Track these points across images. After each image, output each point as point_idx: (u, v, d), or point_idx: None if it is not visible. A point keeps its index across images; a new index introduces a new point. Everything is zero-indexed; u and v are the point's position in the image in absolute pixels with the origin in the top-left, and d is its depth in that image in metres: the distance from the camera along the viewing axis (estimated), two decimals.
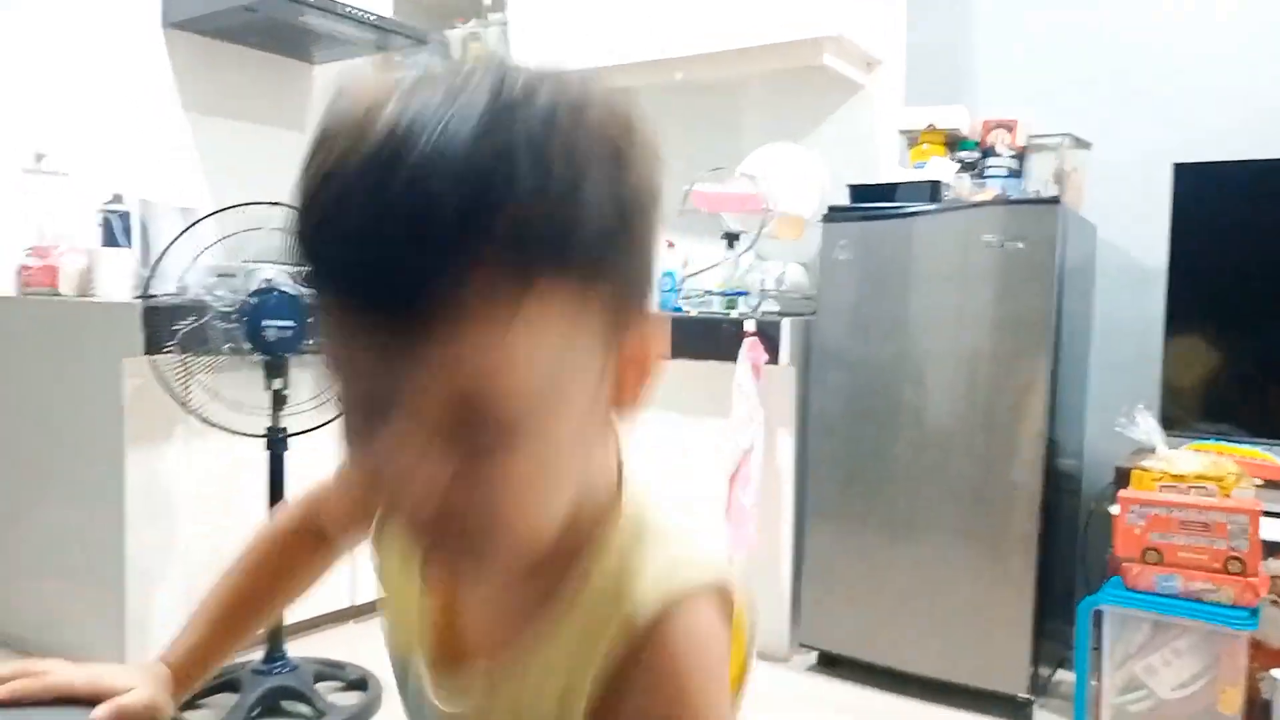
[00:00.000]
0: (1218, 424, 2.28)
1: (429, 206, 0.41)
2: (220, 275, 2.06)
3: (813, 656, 2.51)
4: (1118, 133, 2.61)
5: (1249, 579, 1.82)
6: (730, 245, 2.83)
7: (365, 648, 2.46)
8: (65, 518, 2.27)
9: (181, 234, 2.02)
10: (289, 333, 2.05)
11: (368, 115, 0.43)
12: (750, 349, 2.45)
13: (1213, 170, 2.36)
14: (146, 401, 2.11)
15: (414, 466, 0.45)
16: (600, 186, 0.46)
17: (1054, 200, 2.20)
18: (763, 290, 2.70)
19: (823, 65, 2.67)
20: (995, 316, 2.22)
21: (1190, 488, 1.94)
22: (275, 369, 2.07)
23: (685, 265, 2.92)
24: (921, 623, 2.28)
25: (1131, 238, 2.61)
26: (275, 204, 2.05)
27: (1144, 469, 1.99)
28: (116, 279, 2.30)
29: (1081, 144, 2.48)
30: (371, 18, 2.79)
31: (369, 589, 2.67)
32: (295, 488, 2.17)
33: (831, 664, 2.45)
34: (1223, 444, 2.17)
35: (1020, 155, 2.45)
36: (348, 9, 2.69)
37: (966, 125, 2.54)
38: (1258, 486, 1.96)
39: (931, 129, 2.54)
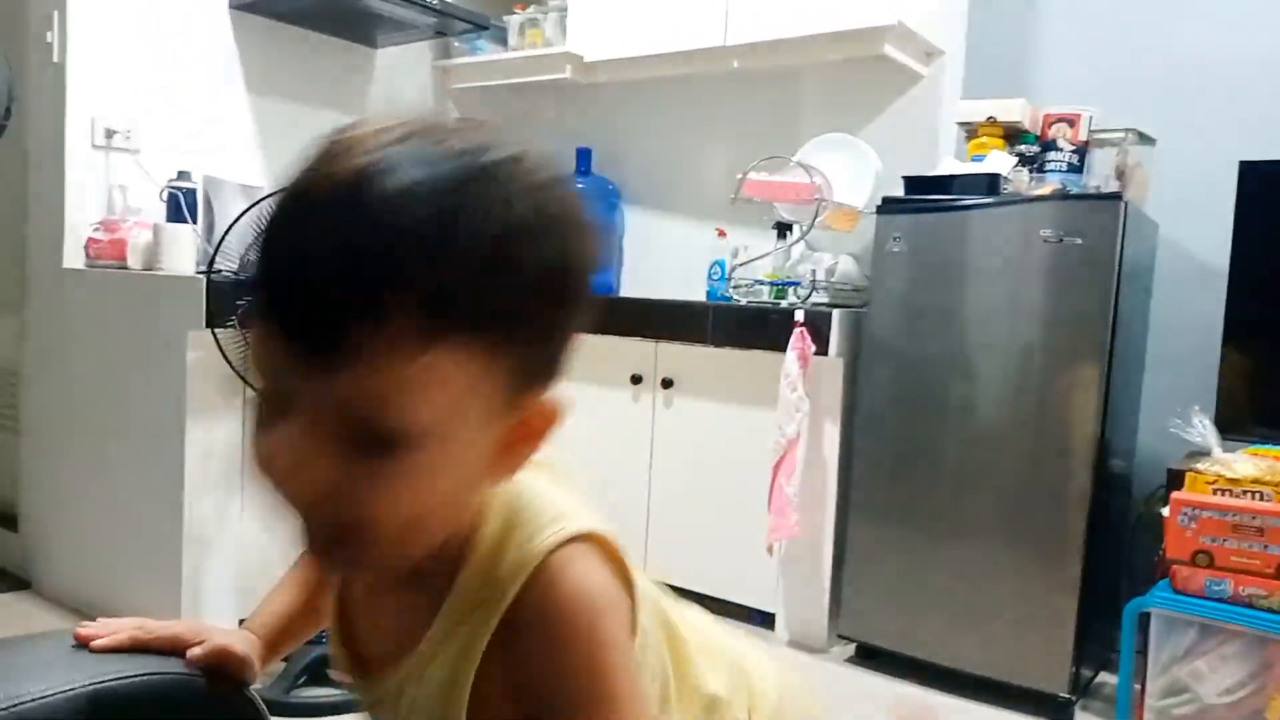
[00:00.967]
0: (1275, 429, 2.23)
1: (362, 255, 0.45)
2: None
3: (851, 648, 2.51)
4: (1183, 129, 2.55)
5: None
6: (782, 235, 2.82)
7: None
8: (127, 482, 2.35)
9: (245, 212, 2.07)
10: None
11: (338, 160, 0.48)
12: (798, 339, 2.45)
13: (1279, 169, 2.30)
14: (208, 374, 2.18)
15: (303, 459, 0.50)
16: (529, 268, 0.49)
17: (1116, 196, 2.17)
18: (813, 281, 2.69)
19: (882, 55, 2.64)
20: (1050, 313, 2.19)
21: (1245, 491, 1.90)
22: None
23: (736, 254, 2.92)
24: (962, 619, 2.27)
25: (1194, 236, 2.55)
26: None
27: (1198, 471, 1.96)
28: (181, 254, 2.37)
29: (1146, 140, 2.43)
30: (434, 2, 2.82)
31: None
32: None
33: (870, 656, 2.45)
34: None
35: (1081, 150, 2.40)
36: None
37: (1027, 118, 2.50)
38: None
39: (991, 121, 2.51)
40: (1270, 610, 1.80)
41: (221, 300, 2.05)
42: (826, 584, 2.53)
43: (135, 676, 0.71)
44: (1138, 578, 2.23)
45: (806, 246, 2.85)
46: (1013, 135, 2.49)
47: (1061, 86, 2.74)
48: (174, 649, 0.71)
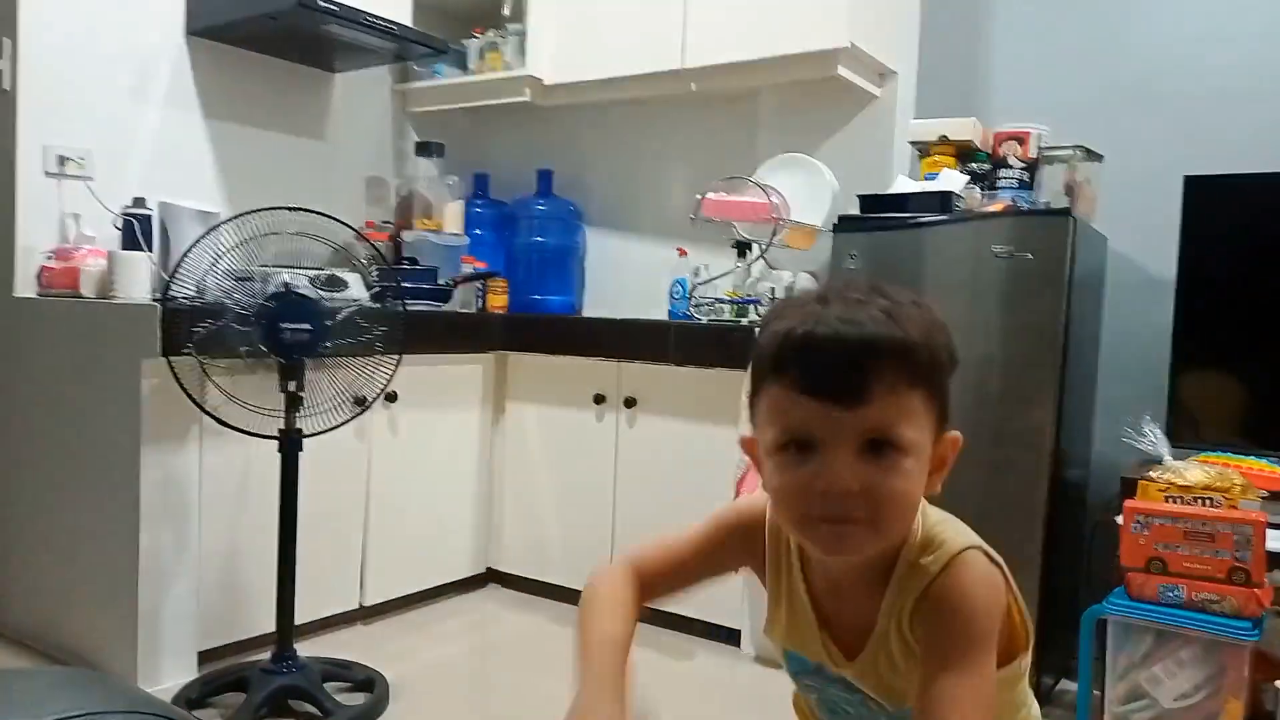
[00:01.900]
0: (1225, 436, 2.28)
1: (868, 348, 0.77)
2: (238, 279, 2.10)
3: None
4: (1129, 145, 2.62)
5: (1253, 590, 1.82)
6: (741, 254, 2.85)
7: (373, 649, 2.49)
8: (81, 514, 2.31)
9: (201, 238, 2.06)
10: (305, 336, 2.08)
11: (817, 305, 0.81)
12: None
13: (1223, 183, 2.36)
14: (164, 402, 2.15)
15: (844, 475, 0.77)
16: (940, 353, 0.82)
17: (1065, 212, 2.22)
18: (773, 298, 2.71)
19: (836, 76, 2.69)
20: (1005, 326, 2.23)
21: (1196, 498, 1.94)
22: (291, 372, 2.10)
23: (697, 274, 2.95)
24: None
25: (1142, 250, 2.61)
26: (294, 209, 2.10)
27: (1150, 479, 1.99)
28: (136, 281, 2.34)
29: (1093, 156, 2.49)
30: (393, 27, 2.82)
31: (377, 592, 2.71)
32: (307, 489, 2.20)
33: None
34: (1230, 456, 2.17)
35: (1031, 167, 2.46)
36: (369, 18, 2.73)
37: (978, 137, 2.55)
38: (1264, 498, 1.96)
39: (943, 140, 2.56)
40: (1223, 615, 1.84)
41: (177, 328, 2.03)
42: None
43: (93, 714, 0.69)
44: (1096, 586, 2.26)
45: (766, 265, 2.88)
46: (965, 154, 2.54)
47: (1011, 105, 2.81)
48: None
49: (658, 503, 2.76)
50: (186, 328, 2.01)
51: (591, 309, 3.48)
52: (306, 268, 2.22)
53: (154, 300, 2.20)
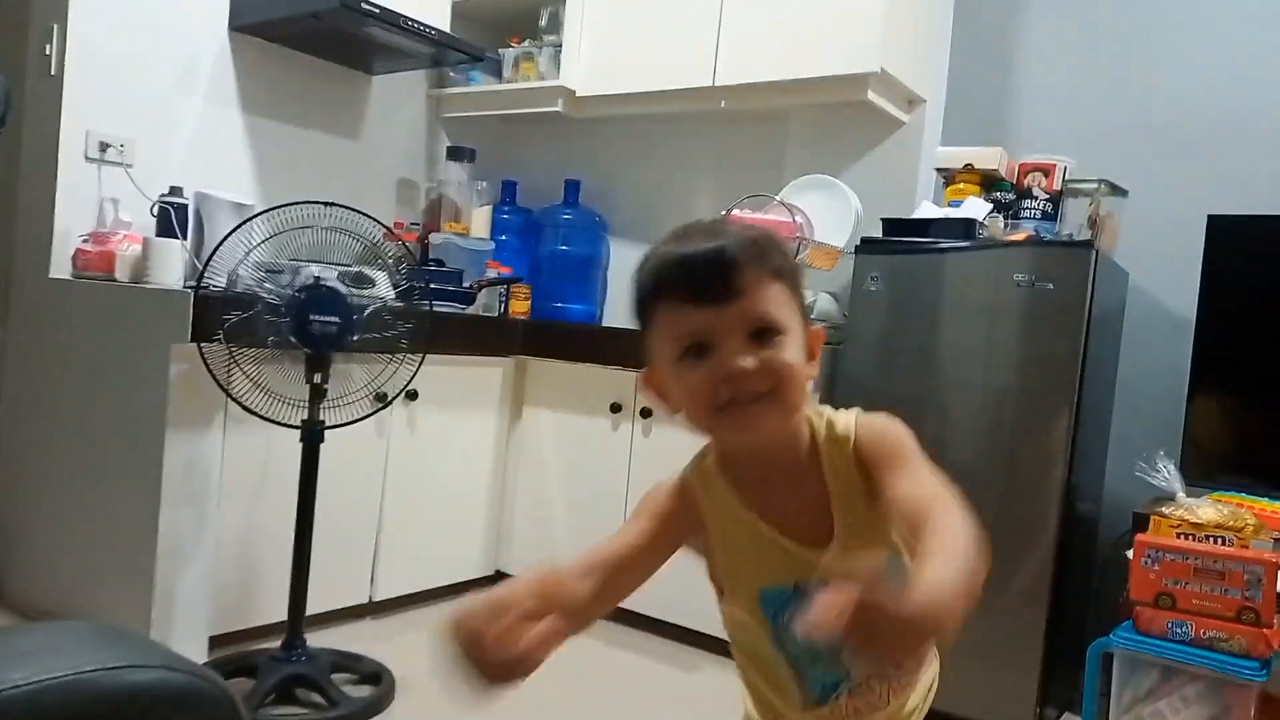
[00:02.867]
0: (1239, 476, 2.28)
1: (732, 255, 0.87)
2: (269, 270, 2.14)
3: None
4: (1154, 181, 2.63)
5: (1262, 629, 1.82)
6: None
7: (382, 643, 2.51)
8: (103, 494, 2.35)
9: (236, 229, 2.10)
10: (333, 329, 2.12)
11: (676, 241, 0.92)
12: None
13: (1247, 223, 2.38)
14: (190, 387, 2.19)
15: (739, 358, 0.86)
16: (786, 254, 0.94)
17: (1087, 244, 2.23)
18: None
19: (865, 101, 2.72)
20: (1022, 355, 2.24)
21: (1207, 536, 1.94)
22: (317, 364, 2.14)
23: None
24: None
25: (1163, 286, 2.63)
26: (328, 204, 2.14)
27: (1162, 515, 2.00)
28: (170, 268, 2.39)
29: (1118, 191, 2.51)
30: (432, 33, 2.88)
31: (388, 587, 2.73)
32: (325, 481, 2.23)
33: None
34: (1243, 496, 2.17)
35: (1055, 199, 2.48)
36: (410, 23, 2.79)
37: (1003, 167, 2.57)
38: (1276, 539, 1.96)
39: (968, 169, 2.58)
40: (1230, 653, 1.84)
41: (208, 315, 2.07)
42: None
43: (119, 668, 0.72)
44: (1103, 619, 2.27)
45: None
46: (989, 183, 2.57)
47: (1037, 137, 2.83)
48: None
49: None
50: (217, 315, 2.05)
51: (612, 319, 3.51)
52: (336, 263, 2.26)
53: (186, 287, 2.25)
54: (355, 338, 2.16)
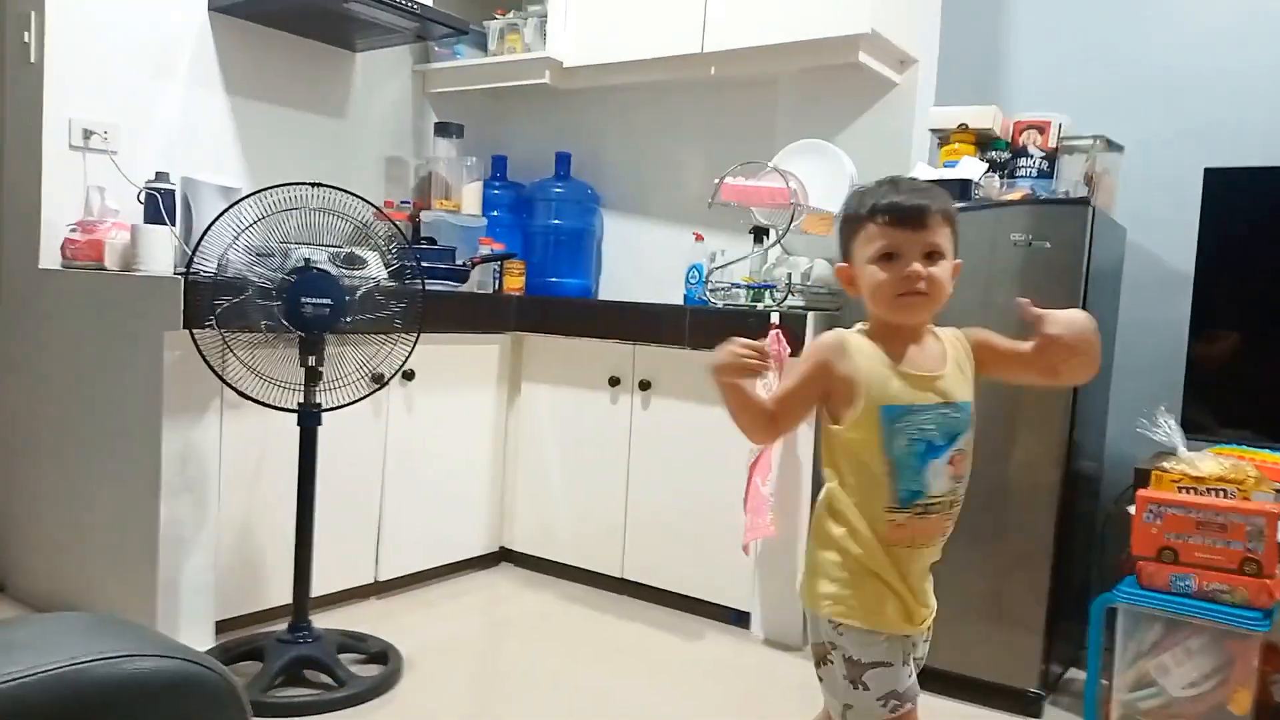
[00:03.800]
0: (1239, 429, 2.28)
1: (925, 202, 1.29)
2: (259, 254, 2.12)
3: None
4: (1150, 137, 2.61)
5: (1265, 581, 1.83)
6: (758, 240, 2.86)
7: (387, 623, 2.52)
8: (102, 484, 2.35)
9: (223, 213, 2.07)
10: (325, 310, 2.10)
11: (890, 186, 1.33)
12: (774, 341, 2.48)
13: (1243, 176, 2.36)
14: (185, 374, 2.18)
15: (919, 267, 1.28)
16: (952, 208, 1.32)
17: (1084, 201, 2.21)
18: (789, 284, 2.72)
19: (857, 63, 2.68)
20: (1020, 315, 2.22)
21: (1209, 489, 1.94)
22: (311, 346, 2.13)
23: (713, 258, 2.95)
24: (935, 615, 2.29)
25: (1160, 241, 2.61)
26: (315, 185, 2.12)
27: (1163, 470, 2.00)
28: (159, 255, 2.36)
29: (1114, 147, 2.48)
30: (414, 7, 2.83)
31: (391, 567, 2.74)
32: (325, 464, 2.23)
33: None
34: (1244, 449, 2.17)
35: (1051, 157, 2.45)
36: None
37: (998, 125, 2.54)
38: (1277, 491, 1.96)
39: (963, 128, 2.55)
40: (1233, 605, 1.85)
41: (199, 301, 2.06)
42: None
43: (116, 657, 0.71)
44: (1107, 576, 2.27)
45: (782, 250, 2.88)
46: (984, 142, 2.54)
47: (1032, 95, 2.80)
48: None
49: (670, 485, 2.78)
50: (209, 301, 2.03)
51: (607, 292, 3.50)
52: (326, 244, 2.24)
53: (177, 274, 2.23)
54: (348, 319, 2.15)
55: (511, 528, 3.11)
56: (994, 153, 2.51)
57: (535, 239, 3.40)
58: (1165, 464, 2.03)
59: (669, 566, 2.79)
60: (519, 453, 3.09)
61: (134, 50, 2.65)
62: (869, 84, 2.87)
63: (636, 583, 2.85)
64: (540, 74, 3.20)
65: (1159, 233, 2.61)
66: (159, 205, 2.44)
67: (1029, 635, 2.18)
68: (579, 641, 2.56)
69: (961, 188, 2.36)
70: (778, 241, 2.78)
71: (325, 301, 2.10)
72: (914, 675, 1.39)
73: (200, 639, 2.27)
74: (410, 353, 2.26)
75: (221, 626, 2.33)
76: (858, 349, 1.33)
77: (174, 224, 2.46)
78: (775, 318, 2.50)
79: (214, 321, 2.03)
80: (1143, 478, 2.04)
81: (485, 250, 3.18)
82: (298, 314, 2.07)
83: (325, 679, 2.12)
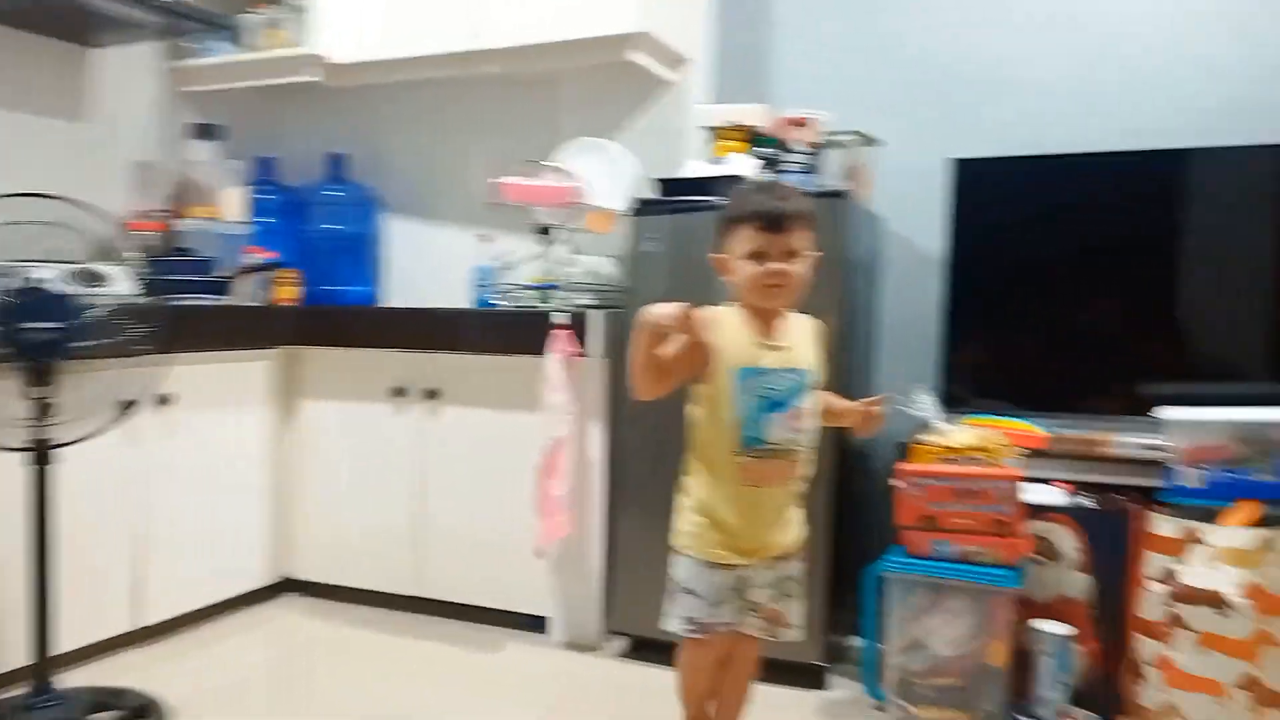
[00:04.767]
0: (991, 400, 2.46)
1: (787, 209, 1.61)
2: None
3: (624, 643, 2.55)
4: (904, 130, 2.77)
5: (1013, 540, 1.97)
6: (544, 239, 2.83)
7: (154, 672, 2.31)
8: None
9: None
10: (53, 335, 1.89)
11: (762, 192, 1.68)
12: (561, 341, 2.45)
13: (986, 165, 2.54)
14: None
15: (782, 264, 1.60)
16: (810, 211, 1.64)
17: (841, 194, 2.32)
18: (576, 283, 2.71)
19: (631, 62, 2.70)
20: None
21: (964, 459, 2.08)
22: (38, 376, 1.91)
23: (500, 260, 2.90)
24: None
25: (916, 229, 2.78)
26: (45, 197, 1.90)
27: (923, 443, 2.12)
28: None
29: (870, 141, 2.62)
30: (158, 0, 2.61)
31: (158, 609, 2.51)
32: (70, 504, 2.01)
33: (643, 648, 2.49)
34: (995, 419, 2.34)
35: (815, 152, 2.56)
36: None
37: (767, 122, 2.63)
38: (1022, 455, 2.12)
39: (733, 126, 2.62)
40: (987, 565, 1.98)
41: None
42: (598, 582, 2.55)
43: None
44: (885, 547, 2.40)
45: (569, 249, 2.86)
46: (754, 139, 2.61)
47: (798, 92, 2.91)
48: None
49: (464, 495, 2.70)
50: None
51: (395, 299, 3.37)
52: (61, 261, 2.02)
53: None
54: (84, 343, 1.94)
55: (295, 554, 2.93)
56: (763, 149, 2.59)
57: (311, 245, 3.22)
58: (925, 437, 2.16)
59: (465, 579, 2.71)
60: (300, 474, 2.92)
61: None
62: (645, 83, 2.90)
63: (432, 599, 2.75)
64: (307, 71, 3.02)
65: (914, 220, 2.78)
66: None
67: (812, 610, 2.25)
68: (373, 667, 2.44)
69: (733, 184, 2.41)
70: (562, 240, 2.76)
71: (52, 325, 1.89)
72: (744, 608, 1.70)
73: None
74: (160, 376, 2.07)
75: None
76: (725, 323, 1.65)
77: None
78: (560, 318, 2.47)
79: None
80: (905, 451, 2.16)
81: (253, 259, 2.98)
82: (19, 340, 1.85)
83: None
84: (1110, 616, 2.05)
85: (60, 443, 1.96)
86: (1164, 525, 1.90)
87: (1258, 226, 2.34)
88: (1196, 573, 1.81)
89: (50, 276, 1.95)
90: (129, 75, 3.07)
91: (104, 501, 2.37)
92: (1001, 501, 1.99)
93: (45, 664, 1.96)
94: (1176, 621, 1.82)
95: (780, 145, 2.59)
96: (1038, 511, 2.11)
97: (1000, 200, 2.56)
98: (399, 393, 2.75)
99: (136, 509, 2.46)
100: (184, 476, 2.58)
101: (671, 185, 2.54)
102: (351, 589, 2.86)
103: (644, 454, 2.47)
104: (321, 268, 3.19)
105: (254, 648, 2.59)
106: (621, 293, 2.68)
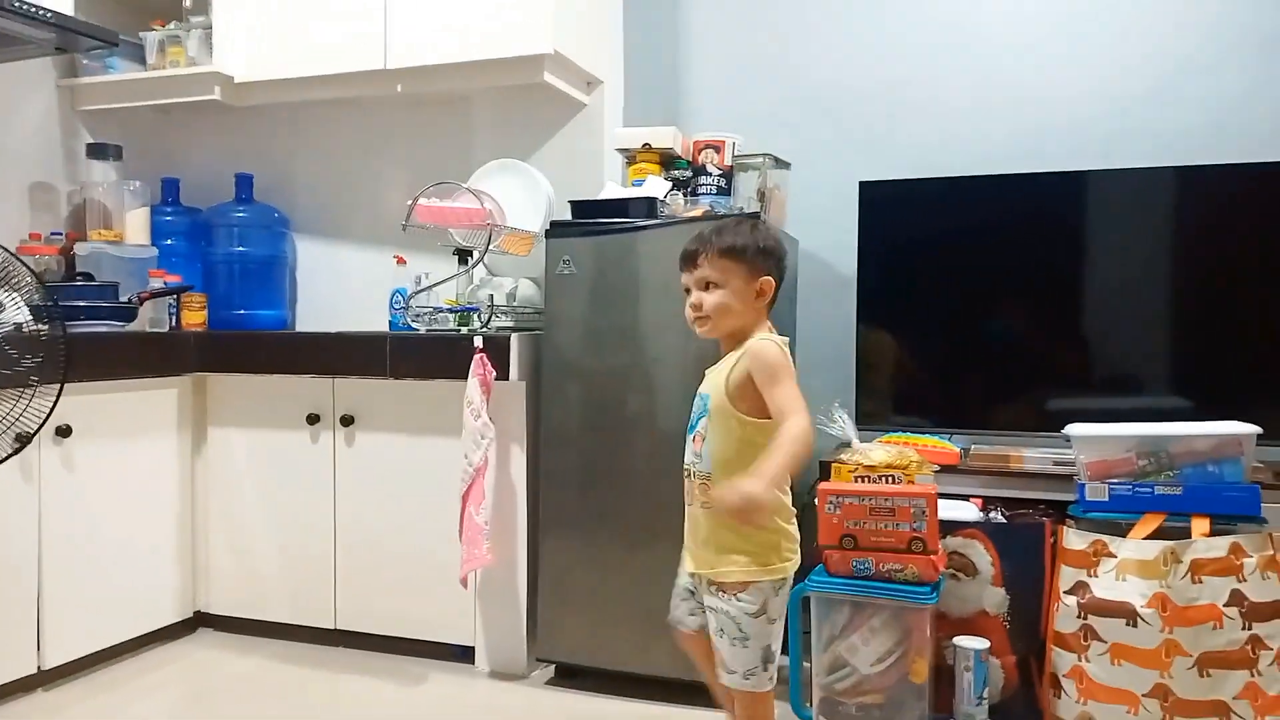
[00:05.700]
0: (906, 416, 2.52)
1: (698, 246, 1.73)
2: None
3: (551, 670, 2.52)
4: (814, 153, 2.84)
5: (930, 556, 2.02)
6: (462, 261, 2.79)
7: (59, 714, 2.20)
8: None
9: None
10: None
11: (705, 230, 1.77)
12: (479, 365, 2.42)
13: (894, 187, 2.62)
14: None
15: (697, 296, 1.72)
16: (741, 243, 1.70)
17: (755, 216, 2.35)
18: (494, 306, 2.68)
19: (544, 83, 2.70)
20: None
21: (880, 476, 2.12)
22: None
23: (417, 282, 2.85)
24: (651, 624, 2.32)
25: (829, 249, 2.84)
26: None
27: (841, 462, 2.16)
28: None
29: (781, 164, 2.67)
30: (47, 15, 2.49)
31: (60, 652, 2.39)
32: None
33: (569, 675, 2.47)
34: (909, 435, 2.40)
35: (728, 174, 2.59)
36: (14, 3, 2.39)
37: (679, 145, 2.65)
38: (936, 471, 2.17)
39: (647, 148, 2.63)
40: (905, 582, 2.02)
41: None
42: (523, 609, 2.52)
43: None
44: (809, 566, 2.42)
45: (487, 271, 2.84)
46: (667, 161, 2.63)
47: (709, 116, 2.96)
48: None
49: (382, 524, 2.64)
50: None
51: (308, 323, 3.28)
52: None
53: None
54: None
55: (208, 589, 2.82)
56: (677, 171, 2.61)
57: (218, 269, 3.12)
58: (843, 455, 2.19)
59: (386, 610, 2.65)
60: (211, 505, 2.81)
61: None
62: (559, 104, 2.90)
63: (353, 632, 2.68)
64: (209, 89, 2.94)
65: (826, 241, 2.84)
66: None
67: None
68: (291, 705, 2.36)
69: (649, 206, 2.43)
70: (478, 263, 2.73)
71: None
72: (696, 613, 1.80)
73: None
74: (54, 407, 1.98)
75: None
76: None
77: None
78: (479, 341, 2.45)
79: None
80: (824, 470, 2.19)
81: (157, 284, 2.87)
82: None
83: None
84: (1027, 630, 2.11)
85: None
86: (1074, 539, 1.97)
87: (1156, 245, 2.46)
88: (1106, 585, 1.88)
89: None
90: (21, 94, 2.94)
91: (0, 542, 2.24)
92: (917, 519, 2.03)
93: None
94: (1090, 633, 1.88)
95: (694, 167, 2.61)
96: (953, 528, 2.16)
97: (906, 221, 2.64)
98: (313, 420, 2.68)
99: (33, 548, 2.34)
100: (85, 511, 2.46)
101: (588, 207, 2.54)
102: (268, 623, 2.76)
103: (568, 478, 2.45)
104: (229, 292, 3.09)
105: (166, 687, 2.48)
106: (540, 315, 2.66)
